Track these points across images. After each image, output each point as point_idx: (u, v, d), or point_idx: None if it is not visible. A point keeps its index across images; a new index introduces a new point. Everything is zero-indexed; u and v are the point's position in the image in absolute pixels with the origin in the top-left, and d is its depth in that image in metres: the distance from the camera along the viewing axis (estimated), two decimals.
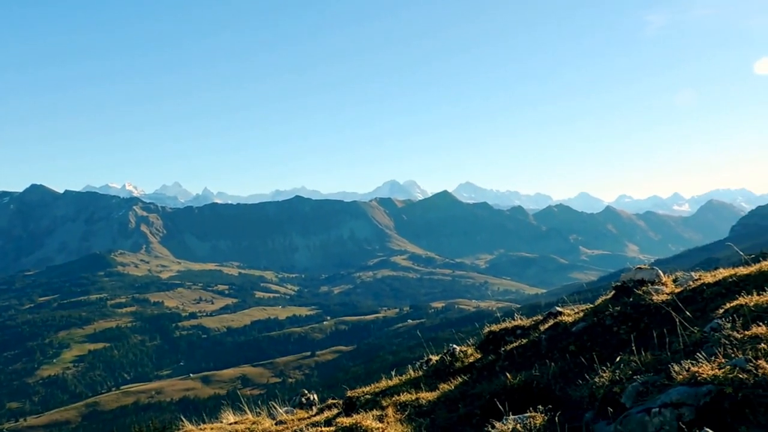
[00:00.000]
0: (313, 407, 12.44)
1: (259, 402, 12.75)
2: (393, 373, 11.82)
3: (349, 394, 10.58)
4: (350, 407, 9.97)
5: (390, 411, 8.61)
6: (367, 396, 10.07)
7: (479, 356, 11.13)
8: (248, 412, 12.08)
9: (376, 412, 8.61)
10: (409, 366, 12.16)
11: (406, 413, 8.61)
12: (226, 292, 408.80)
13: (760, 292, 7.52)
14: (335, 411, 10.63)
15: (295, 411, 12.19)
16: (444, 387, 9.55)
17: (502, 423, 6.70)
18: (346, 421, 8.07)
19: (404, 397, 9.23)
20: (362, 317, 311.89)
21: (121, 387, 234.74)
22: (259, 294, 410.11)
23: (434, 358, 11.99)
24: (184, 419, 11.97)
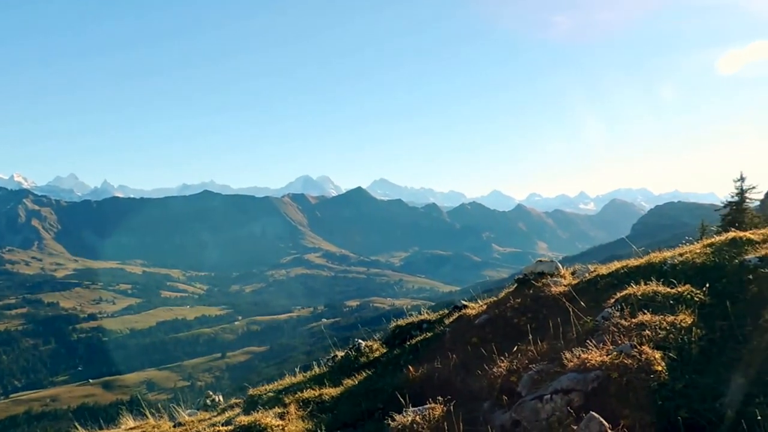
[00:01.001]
0: (218, 408, 12.14)
1: (164, 407, 12.28)
2: (297, 370, 11.69)
3: (251, 392, 10.39)
4: (252, 406, 9.77)
5: (292, 408, 8.50)
6: (270, 394, 9.90)
7: (385, 351, 11.18)
8: (149, 416, 11.62)
9: (277, 410, 8.48)
10: (314, 363, 12.07)
11: (309, 410, 8.53)
12: (129, 291, 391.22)
13: (647, 282, 7.91)
14: (237, 410, 10.40)
15: (198, 413, 11.85)
16: (348, 382, 9.53)
17: (402, 416, 6.73)
18: (245, 419, 7.89)
19: (307, 393, 9.14)
20: (275, 317, 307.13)
21: (11, 395, 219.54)
22: (165, 293, 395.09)
23: (339, 354, 11.96)
24: (78, 427, 11.38)
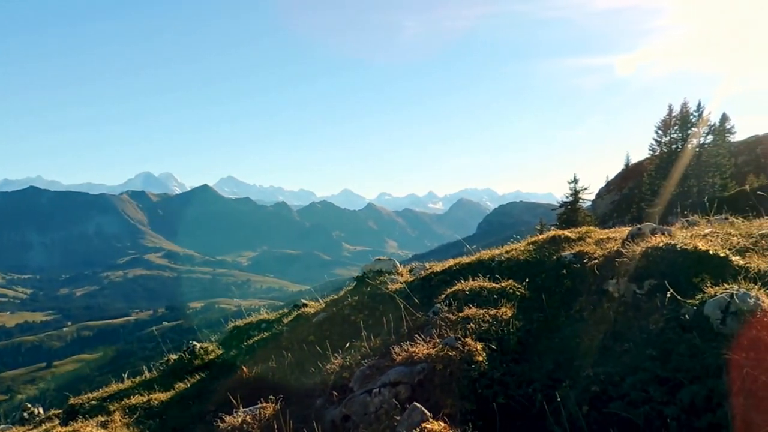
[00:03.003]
0: (35, 421, 11.12)
1: None
2: (124, 375, 11.03)
3: (71, 401, 9.64)
4: (72, 416, 9.07)
5: (117, 416, 8.02)
6: (93, 402, 9.26)
7: (221, 352, 10.88)
8: None
9: (100, 418, 7.96)
10: (144, 367, 11.46)
11: (135, 416, 8.09)
12: None
13: (475, 278, 8.35)
14: (56, 422, 9.61)
15: (13, 428, 10.79)
16: (180, 386, 9.17)
17: (233, 417, 6.58)
18: (62, 431, 7.31)
19: (135, 399, 8.66)
20: (110, 321, 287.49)
21: None
22: None
23: (173, 357, 11.46)
24: None
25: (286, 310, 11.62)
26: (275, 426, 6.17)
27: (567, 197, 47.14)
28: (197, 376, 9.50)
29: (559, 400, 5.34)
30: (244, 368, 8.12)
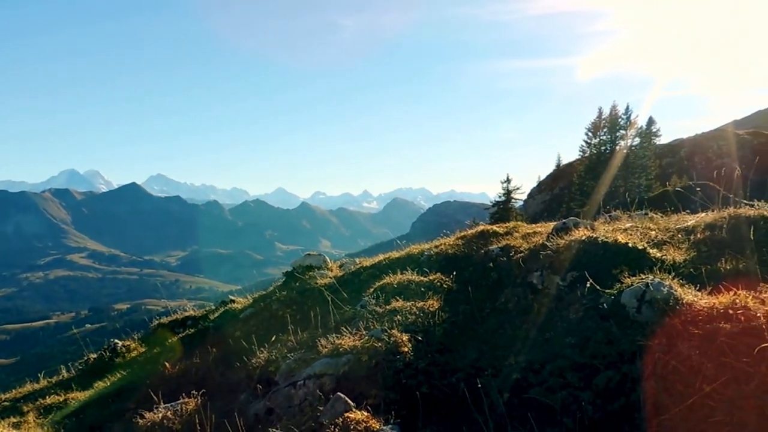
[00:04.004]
0: None
1: None
2: (40, 375, 10.52)
3: None
4: None
5: (30, 416, 7.65)
6: (5, 403, 8.81)
7: (144, 350, 10.54)
8: None
9: (12, 419, 7.57)
10: (62, 367, 10.97)
11: (51, 416, 7.72)
12: None
13: (404, 272, 8.38)
14: None
15: None
16: (99, 385, 8.83)
17: (153, 412, 6.36)
18: None
19: (50, 399, 8.30)
20: (29, 324, 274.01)
21: None
22: None
23: (93, 356, 11.01)
24: None
25: (213, 307, 11.36)
26: (197, 421, 6.01)
27: (500, 197, 48.12)
28: (118, 374, 9.16)
29: (480, 387, 5.40)
30: (167, 365, 7.88)
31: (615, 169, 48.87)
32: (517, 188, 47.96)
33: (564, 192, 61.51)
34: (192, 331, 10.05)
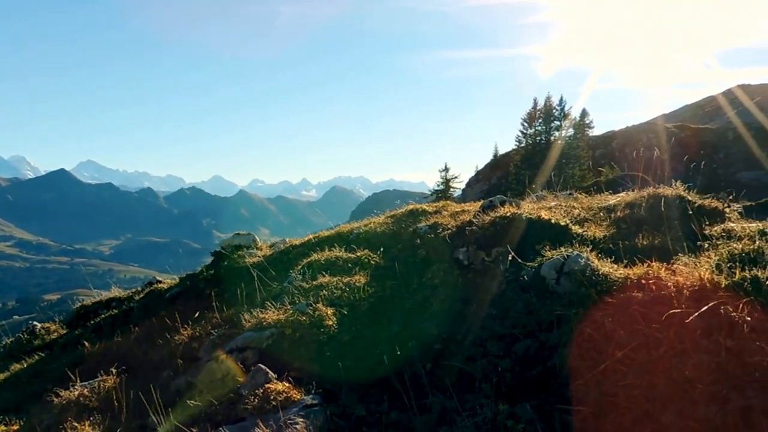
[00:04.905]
0: None
1: None
2: None
3: None
4: None
5: None
6: None
7: (65, 332, 10.17)
8: None
9: None
10: None
11: None
12: None
13: (331, 249, 8.34)
14: None
15: None
16: (16, 367, 8.47)
17: (69, 391, 6.14)
18: None
19: None
20: None
21: None
22: None
23: (9, 340, 10.55)
24: None
25: (139, 289, 11.05)
26: (114, 398, 5.83)
27: (438, 186, 48.58)
28: (36, 357, 8.80)
29: (404, 358, 5.43)
30: (87, 344, 7.62)
31: (554, 160, 50.03)
32: (455, 177, 48.59)
33: (501, 181, 62.54)
34: (116, 311, 9.75)
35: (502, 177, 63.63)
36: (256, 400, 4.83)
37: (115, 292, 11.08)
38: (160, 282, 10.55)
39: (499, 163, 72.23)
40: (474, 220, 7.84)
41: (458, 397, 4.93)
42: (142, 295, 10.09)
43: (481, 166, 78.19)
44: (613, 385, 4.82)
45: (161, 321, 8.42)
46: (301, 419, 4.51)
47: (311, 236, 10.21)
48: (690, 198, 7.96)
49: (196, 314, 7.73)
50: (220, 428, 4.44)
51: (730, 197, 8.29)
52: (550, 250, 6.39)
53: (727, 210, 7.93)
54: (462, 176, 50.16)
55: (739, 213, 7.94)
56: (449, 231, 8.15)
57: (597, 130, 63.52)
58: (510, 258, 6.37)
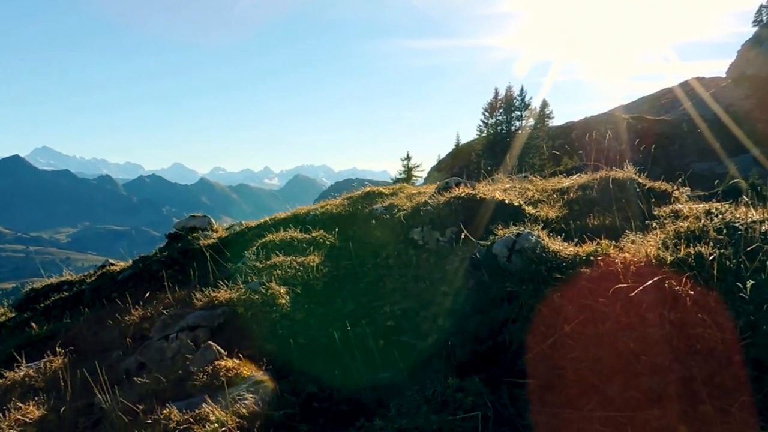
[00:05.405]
0: None
1: None
2: None
3: None
4: None
5: None
6: None
7: (13, 315, 9.90)
8: None
9: None
10: None
11: None
12: None
13: (287, 229, 8.28)
14: None
15: None
16: None
17: (14, 372, 5.99)
18: None
19: None
20: None
21: None
22: None
23: None
24: None
25: (91, 272, 10.81)
26: (61, 378, 5.70)
27: (400, 174, 48.67)
28: None
29: (356, 335, 5.43)
30: (34, 325, 7.43)
31: (517, 150, 50.53)
32: (417, 166, 48.75)
33: (463, 170, 62.93)
34: (67, 294, 9.53)
35: (464, 166, 64.03)
36: (205, 376, 4.77)
37: (67, 275, 10.82)
38: (113, 265, 10.34)
39: (460, 152, 72.68)
40: (429, 201, 7.86)
41: (409, 372, 4.95)
42: (94, 278, 9.88)
43: (443, 155, 78.54)
44: (561, 359, 4.90)
45: (113, 303, 8.27)
46: (251, 395, 4.48)
47: (267, 218, 10.13)
48: (640, 180, 8.13)
49: (148, 295, 7.61)
50: (167, 404, 4.38)
51: (679, 181, 8.49)
52: (502, 229, 6.45)
53: (676, 192, 8.13)
54: (424, 165, 50.47)
55: (688, 196, 8.16)
56: (405, 212, 8.16)
57: (557, 121, 64.33)
58: (463, 237, 6.42)
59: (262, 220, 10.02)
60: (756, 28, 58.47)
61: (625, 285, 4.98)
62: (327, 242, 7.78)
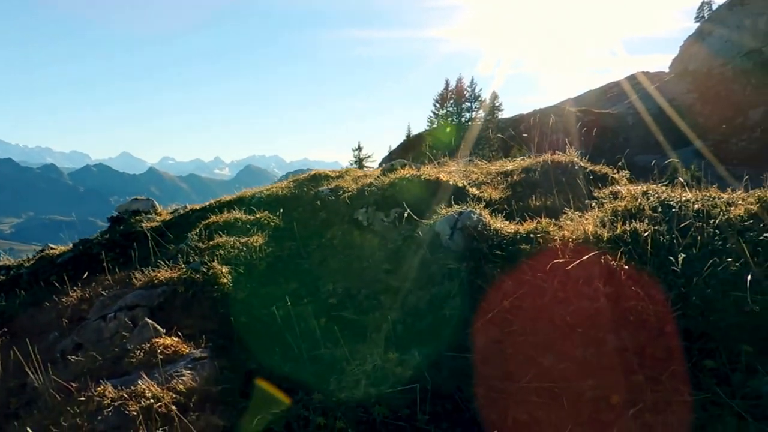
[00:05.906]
0: None
1: None
2: None
3: None
4: None
5: None
6: None
7: None
8: None
9: None
10: None
11: None
12: None
13: (231, 211, 8.19)
14: None
15: None
16: None
17: None
18: None
19: None
20: None
21: None
22: None
23: None
24: None
25: (30, 257, 10.48)
26: None
27: (351, 164, 48.59)
28: None
29: (297, 314, 5.42)
30: None
31: (471, 142, 50.88)
32: (368, 156, 48.74)
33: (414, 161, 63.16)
34: (3, 278, 9.22)
35: (415, 157, 64.31)
36: (142, 354, 4.70)
37: (5, 260, 10.46)
38: (52, 248, 10.05)
39: (411, 143, 72.86)
40: (374, 183, 7.89)
41: (349, 348, 4.97)
42: (32, 262, 9.59)
43: (394, 146, 78.69)
44: (499, 332, 5.00)
45: (51, 285, 8.04)
46: (188, 371, 4.43)
47: (212, 201, 10.00)
48: (582, 164, 8.32)
49: (87, 277, 7.42)
50: (101, 381, 4.29)
51: (619, 164, 8.71)
52: (445, 208, 6.52)
53: (616, 175, 8.36)
54: (375, 156, 50.54)
55: (627, 178, 8.39)
56: (350, 193, 8.17)
57: (506, 113, 65.11)
58: (407, 217, 6.46)
59: (207, 203, 9.89)
60: (698, 24, 60.16)
61: (563, 260, 5.11)
62: (272, 224, 7.73)
